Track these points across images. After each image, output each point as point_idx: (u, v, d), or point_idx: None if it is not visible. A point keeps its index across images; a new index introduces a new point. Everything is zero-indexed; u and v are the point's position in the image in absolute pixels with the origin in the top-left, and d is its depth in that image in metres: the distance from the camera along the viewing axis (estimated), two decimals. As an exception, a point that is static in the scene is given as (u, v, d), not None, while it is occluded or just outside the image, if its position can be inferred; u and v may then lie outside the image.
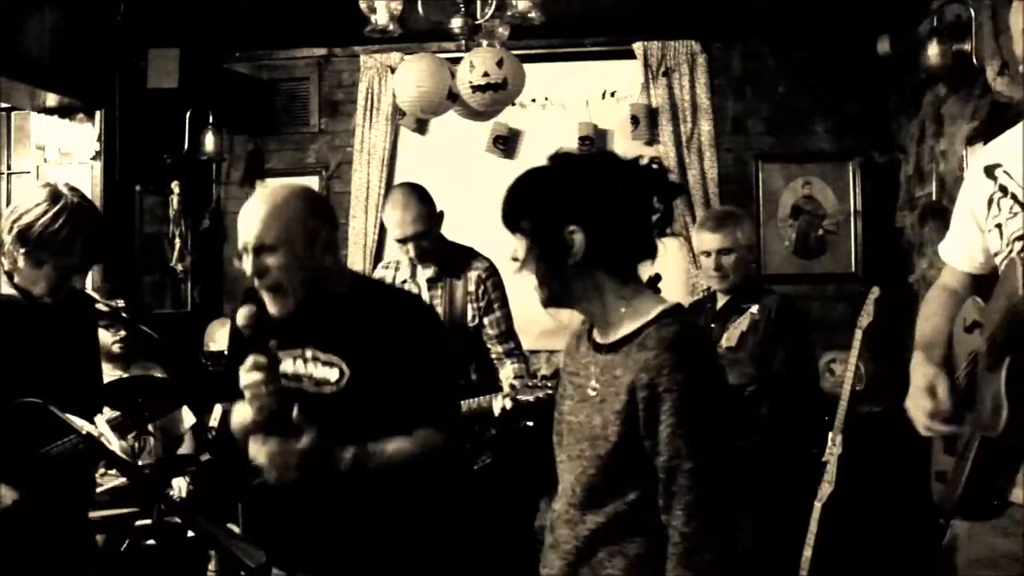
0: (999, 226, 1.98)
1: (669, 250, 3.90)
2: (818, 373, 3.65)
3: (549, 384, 3.55)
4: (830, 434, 3.57)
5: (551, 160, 1.94)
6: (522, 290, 2.06)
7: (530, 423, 4.01)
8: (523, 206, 1.90)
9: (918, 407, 1.99)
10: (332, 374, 2.27)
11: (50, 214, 2.53)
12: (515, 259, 1.91)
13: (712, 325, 3.67)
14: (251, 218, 2.25)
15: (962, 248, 2.15)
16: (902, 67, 4.91)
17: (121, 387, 3.34)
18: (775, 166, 5.47)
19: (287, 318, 2.28)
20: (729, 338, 3.39)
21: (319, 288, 2.28)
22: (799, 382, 3.54)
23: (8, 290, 2.61)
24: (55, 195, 2.57)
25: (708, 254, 3.65)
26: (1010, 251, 1.93)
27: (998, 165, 2.00)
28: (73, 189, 2.63)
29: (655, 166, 1.91)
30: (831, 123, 5.42)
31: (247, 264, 2.25)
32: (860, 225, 5.36)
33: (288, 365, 2.31)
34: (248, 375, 2.18)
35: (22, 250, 2.55)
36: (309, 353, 2.30)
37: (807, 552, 3.33)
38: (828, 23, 5.11)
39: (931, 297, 2.21)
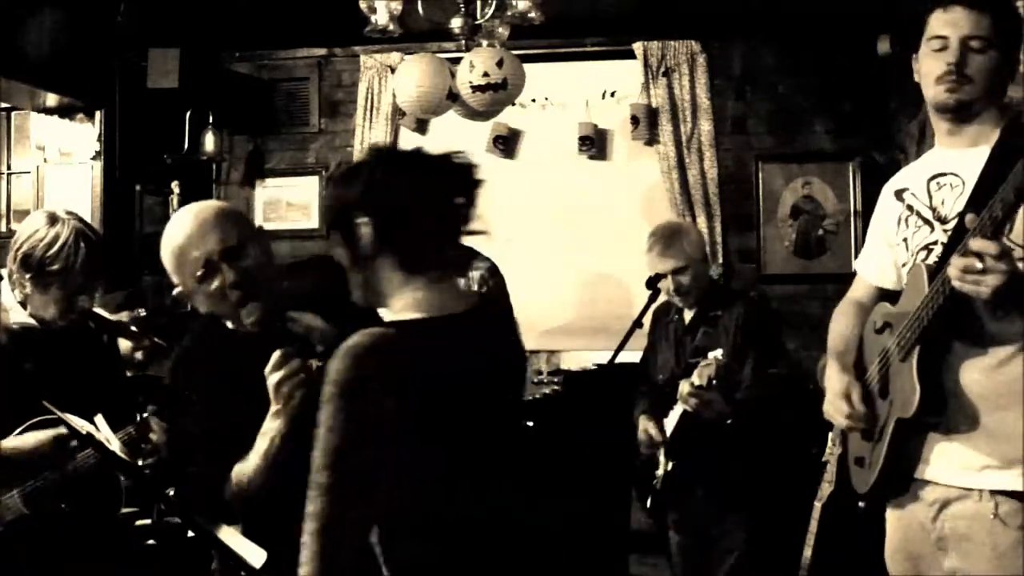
0: (905, 240, 2.27)
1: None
2: (794, 370, 3.65)
3: (556, 381, 3.56)
4: (830, 434, 3.56)
5: (364, 155, 1.98)
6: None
7: (529, 423, 4.02)
8: (327, 201, 1.94)
9: (837, 411, 2.27)
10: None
11: (48, 238, 2.60)
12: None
13: (685, 338, 3.66)
14: (198, 231, 2.14)
15: (875, 264, 2.44)
16: (902, 67, 4.90)
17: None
18: (775, 166, 5.47)
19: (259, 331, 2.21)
20: (700, 375, 3.36)
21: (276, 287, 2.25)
22: (783, 386, 3.54)
23: (24, 318, 2.68)
24: (52, 219, 2.64)
25: (664, 276, 3.62)
26: (915, 260, 2.22)
27: (906, 189, 2.30)
28: (71, 213, 2.70)
29: (460, 160, 1.85)
30: (831, 123, 5.41)
31: (220, 279, 2.12)
32: (860, 225, 5.35)
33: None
34: (284, 367, 2.04)
35: (28, 276, 2.62)
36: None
37: (807, 552, 3.33)
38: (828, 23, 5.11)
39: (842, 309, 2.49)
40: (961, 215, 2.09)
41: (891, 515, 2.29)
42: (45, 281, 2.62)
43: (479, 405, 1.78)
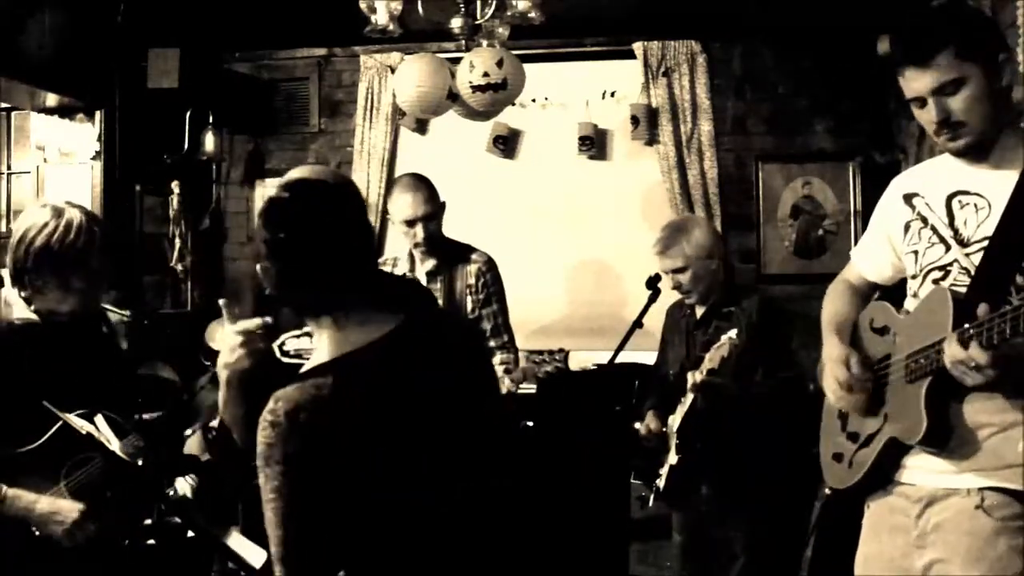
0: (915, 252, 2.20)
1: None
2: (794, 370, 3.65)
3: (558, 358, 3.56)
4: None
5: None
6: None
7: (530, 423, 4.02)
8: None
9: (834, 376, 2.21)
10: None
11: (62, 227, 2.50)
12: None
13: (696, 332, 3.66)
14: None
15: (872, 261, 2.42)
16: (902, 67, 4.90)
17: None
18: (775, 166, 5.47)
19: None
20: (712, 359, 3.36)
21: None
22: (788, 386, 3.54)
23: (27, 314, 2.56)
24: (58, 211, 2.54)
25: (666, 273, 3.65)
26: (925, 277, 2.16)
27: (916, 194, 2.22)
28: (70, 202, 2.61)
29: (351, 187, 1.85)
30: (831, 123, 5.41)
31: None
32: (860, 225, 5.35)
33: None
34: (253, 322, 2.09)
35: (47, 272, 2.51)
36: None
37: (807, 552, 3.34)
38: (828, 23, 5.11)
39: (837, 288, 2.47)
40: (988, 240, 2.04)
41: (869, 517, 2.28)
42: (65, 273, 2.51)
43: (418, 423, 1.74)
